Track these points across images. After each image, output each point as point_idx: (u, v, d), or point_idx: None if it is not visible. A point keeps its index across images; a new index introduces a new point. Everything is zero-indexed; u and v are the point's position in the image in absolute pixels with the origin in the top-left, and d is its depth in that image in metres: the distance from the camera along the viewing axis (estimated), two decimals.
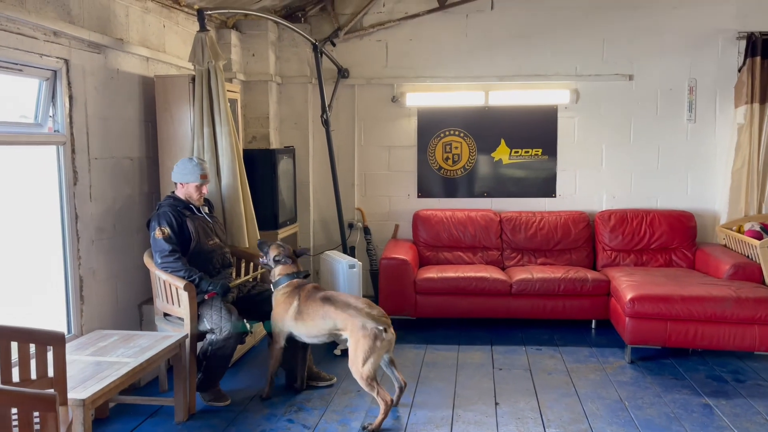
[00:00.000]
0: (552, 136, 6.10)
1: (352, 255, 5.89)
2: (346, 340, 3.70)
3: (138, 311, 4.42)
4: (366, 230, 6.27)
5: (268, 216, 5.24)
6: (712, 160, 5.95)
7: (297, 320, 3.78)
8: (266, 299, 4.06)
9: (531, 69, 6.05)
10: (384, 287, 5.35)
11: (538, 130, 6.11)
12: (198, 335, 3.81)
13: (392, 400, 3.60)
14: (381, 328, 3.51)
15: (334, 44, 6.03)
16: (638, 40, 5.92)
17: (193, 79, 4.39)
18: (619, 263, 5.71)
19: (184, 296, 3.73)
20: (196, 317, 3.79)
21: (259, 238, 4.69)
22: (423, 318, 5.43)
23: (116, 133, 4.16)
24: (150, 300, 4.48)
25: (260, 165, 5.26)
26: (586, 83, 6.02)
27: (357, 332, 3.53)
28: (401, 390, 3.74)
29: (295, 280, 3.92)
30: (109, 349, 3.42)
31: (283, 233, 5.43)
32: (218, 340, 3.71)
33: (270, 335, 4.05)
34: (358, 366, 3.49)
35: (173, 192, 4.10)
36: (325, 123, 5.86)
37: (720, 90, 5.87)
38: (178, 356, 3.64)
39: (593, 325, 5.44)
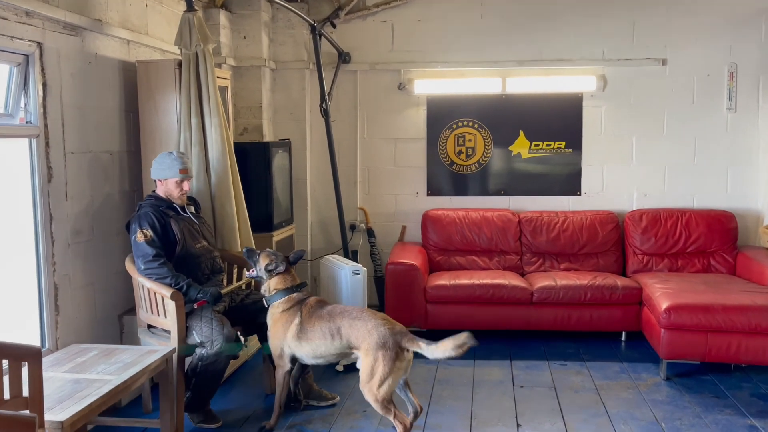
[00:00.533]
0: (576, 127, 6.09)
1: (355, 260, 5.87)
2: (356, 359, 3.67)
3: (118, 323, 4.41)
4: (369, 232, 6.26)
5: (262, 217, 5.23)
6: (755, 154, 5.94)
7: (300, 340, 3.73)
8: (262, 309, 4.03)
9: (553, 53, 6.04)
10: (391, 296, 5.34)
11: (561, 121, 6.10)
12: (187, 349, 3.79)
13: (411, 424, 3.58)
14: (405, 346, 3.49)
15: (334, 25, 6.01)
16: (672, 21, 5.92)
17: (180, 64, 4.38)
18: (652, 268, 5.70)
19: (171, 306, 3.71)
20: (184, 329, 3.77)
21: (253, 240, 4.70)
22: (434, 330, 5.38)
23: (94, 125, 4.15)
24: (131, 310, 4.47)
25: (253, 160, 5.25)
26: (615, 69, 6.01)
27: (375, 351, 3.49)
28: (416, 415, 3.72)
29: (294, 294, 3.87)
30: (88, 364, 3.40)
31: (278, 236, 5.41)
32: (209, 355, 3.69)
33: (270, 358, 4.03)
34: (374, 388, 3.47)
35: (154, 191, 4.09)
36: (325, 113, 5.85)
37: (764, 76, 5.86)
38: (164, 373, 3.62)
39: (623, 338, 5.43)
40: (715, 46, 5.90)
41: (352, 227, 6.28)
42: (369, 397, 3.52)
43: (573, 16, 5.99)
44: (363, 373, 3.54)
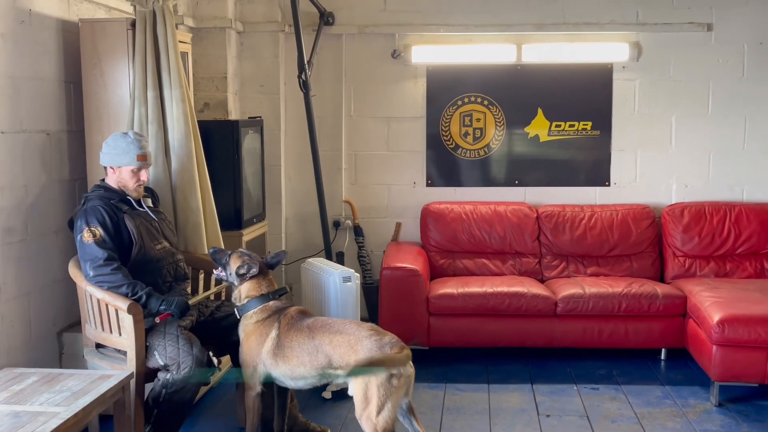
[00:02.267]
0: (605, 105, 6.13)
1: (341, 263, 5.83)
2: (344, 382, 3.64)
3: (57, 341, 4.33)
4: (357, 230, 6.24)
5: (230, 211, 5.17)
6: None
7: (276, 357, 3.69)
8: (235, 324, 3.97)
9: (578, 15, 6.06)
10: (386, 307, 5.32)
11: (586, 98, 6.13)
12: (147, 374, 3.72)
13: None
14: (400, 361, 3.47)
15: None
16: None
17: (134, 24, 4.30)
18: (695, 273, 5.76)
19: (128, 320, 3.64)
20: (144, 349, 3.70)
21: (221, 240, 4.64)
22: (439, 348, 5.41)
23: (28, 99, 4.05)
24: (74, 326, 4.40)
25: (218, 142, 5.17)
26: (651, 35, 6.05)
27: None
28: None
29: (270, 302, 3.83)
30: (28, 394, 3.32)
31: (248, 234, 5.35)
32: (176, 381, 3.62)
33: (235, 364, 3.98)
34: (372, 416, 3.43)
35: (103, 180, 4.00)
36: (304, 86, 5.79)
37: None
38: (120, 403, 3.55)
39: (663, 356, 5.48)
40: None
41: (336, 224, 6.25)
42: (368, 429, 3.48)
43: None
44: (356, 399, 3.50)
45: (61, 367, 4.21)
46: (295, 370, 3.68)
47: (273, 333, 3.73)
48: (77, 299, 4.45)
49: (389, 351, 3.48)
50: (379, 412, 3.42)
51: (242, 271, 3.85)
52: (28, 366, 3.92)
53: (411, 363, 3.54)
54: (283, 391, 3.97)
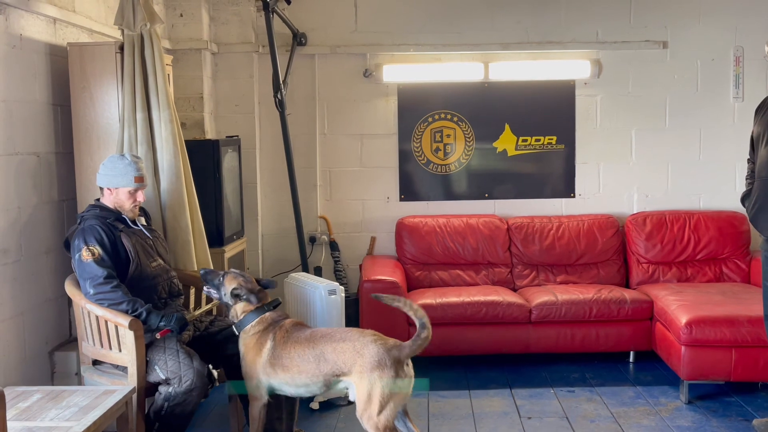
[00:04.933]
0: (569, 119, 6.38)
1: (319, 277, 5.94)
2: (345, 389, 3.77)
3: (49, 360, 4.37)
4: (333, 245, 6.36)
5: (212, 229, 5.23)
6: None
7: (274, 366, 3.79)
8: (229, 337, 4.08)
9: (541, 34, 6.31)
10: (367, 319, 5.42)
11: (551, 113, 6.37)
12: (147, 388, 3.80)
13: None
14: (405, 360, 3.62)
15: (288, 1, 6.09)
16: None
17: (122, 47, 4.39)
18: (659, 279, 6.01)
19: (129, 336, 3.72)
20: (145, 364, 3.78)
21: (210, 258, 4.73)
22: (419, 357, 5.51)
23: (20, 121, 4.11)
24: (64, 345, 4.45)
25: (199, 162, 5.21)
26: (610, 52, 6.33)
27: (371, 372, 3.58)
28: None
29: (267, 314, 3.94)
30: (36, 411, 3.37)
31: (230, 251, 5.45)
32: (177, 394, 3.71)
33: (239, 397, 4.08)
34: (373, 415, 3.56)
35: (98, 200, 4.08)
36: (280, 105, 5.92)
37: None
38: (124, 417, 3.62)
39: (631, 359, 5.71)
40: (719, 27, 6.28)
41: (312, 240, 6.37)
42: (369, 427, 3.61)
43: None
44: (359, 401, 3.63)
45: (53, 386, 4.25)
46: (295, 378, 3.79)
47: (269, 344, 3.83)
48: (68, 318, 4.55)
49: (397, 354, 3.62)
50: (381, 411, 3.56)
51: (238, 293, 3.93)
52: (23, 384, 3.97)
53: (411, 365, 3.71)
54: (289, 400, 4.08)
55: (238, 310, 3.96)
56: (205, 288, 4.10)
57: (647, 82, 6.36)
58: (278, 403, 4.02)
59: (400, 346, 3.68)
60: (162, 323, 3.82)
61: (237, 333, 3.96)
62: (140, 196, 4.06)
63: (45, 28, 4.36)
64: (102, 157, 4.24)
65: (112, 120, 4.44)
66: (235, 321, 3.97)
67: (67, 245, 4.01)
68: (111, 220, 3.98)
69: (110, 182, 3.98)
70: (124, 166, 3.97)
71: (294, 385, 3.84)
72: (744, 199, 4.58)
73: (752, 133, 4.59)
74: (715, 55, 6.33)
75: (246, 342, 3.91)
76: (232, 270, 4.16)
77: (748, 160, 4.62)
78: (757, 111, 4.55)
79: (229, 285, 3.97)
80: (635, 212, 6.33)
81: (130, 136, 4.38)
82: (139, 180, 4.02)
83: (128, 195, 4.00)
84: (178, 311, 4.07)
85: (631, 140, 6.41)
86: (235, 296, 3.95)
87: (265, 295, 4.04)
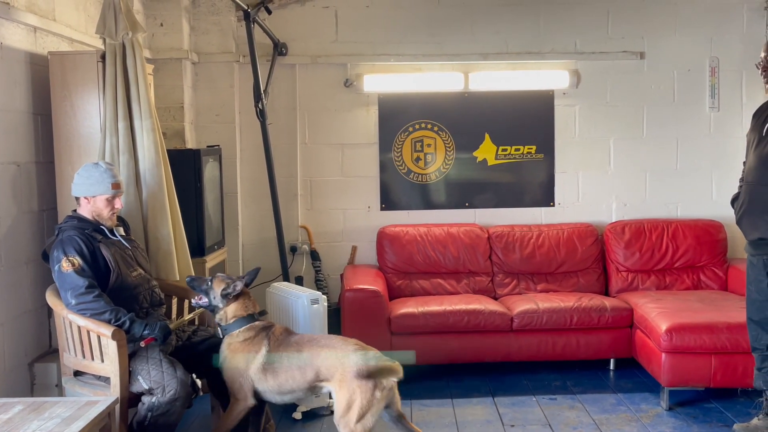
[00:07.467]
0: (548, 129, 6.44)
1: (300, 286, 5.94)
2: (327, 394, 3.79)
3: (29, 372, 4.32)
4: (313, 255, 6.36)
5: (193, 239, 5.20)
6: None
7: (266, 372, 3.82)
8: (212, 347, 4.07)
9: (520, 45, 6.37)
10: (349, 327, 5.42)
11: (530, 122, 6.43)
12: (130, 399, 3.78)
13: None
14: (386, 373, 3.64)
15: (269, 11, 6.10)
16: (649, 10, 6.37)
17: (104, 56, 4.37)
18: (638, 287, 6.08)
19: (112, 346, 3.70)
20: (128, 374, 3.76)
21: (192, 267, 4.72)
22: (401, 365, 5.54)
23: (3, 131, 4.08)
24: (44, 356, 4.41)
25: (180, 171, 5.19)
26: (588, 63, 6.41)
27: (351, 381, 3.62)
28: None
29: (256, 322, 3.97)
30: (18, 422, 3.33)
31: (211, 261, 5.43)
32: (161, 404, 3.69)
33: (222, 405, 4.06)
34: (350, 423, 3.60)
35: (75, 211, 4.06)
36: (261, 114, 5.92)
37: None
38: (107, 428, 3.59)
39: (612, 366, 5.75)
40: (695, 38, 6.39)
41: (293, 249, 6.36)
42: None
43: (542, 4, 6.34)
44: (338, 407, 3.68)
45: (34, 397, 4.20)
46: (284, 383, 3.84)
47: (263, 350, 3.88)
48: (47, 330, 4.51)
49: (374, 364, 3.65)
50: (358, 420, 3.60)
51: (227, 292, 3.97)
52: (2, 397, 3.92)
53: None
54: (259, 410, 4.08)
55: (229, 313, 4.00)
56: (194, 300, 4.09)
57: (625, 92, 6.44)
58: (259, 410, 4.03)
59: (380, 358, 3.71)
60: (146, 332, 3.80)
61: (221, 336, 3.98)
62: (118, 203, 4.04)
63: (25, 37, 4.33)
64: None
65: (93, 129, 4.42)
66: (222, 324, 4.00)
67: (45, 256, 3.99)
68: (89, 230, 3.95)
69: (87, 191, 3.95)
70: (99, 173, 3.95)
71: (280, 393, 3.88)
72: (734, 201, 4.64)
73: (746, 136, 4.64)
74: (692, 66, 6.43)
75: (232, 345, 3.93)
76: (218, 274, 4.19)
77: (744, 162, 4.67)
78: (754, 116, 4.59)
79: (218, 287, 4.00)
80: (614, 221, 6.40)
81: (112, 145, 4.36)
82: (116, 186, 4.00)
83: (106, 203, 3.98)
84: (160, 320, 4.05)
85: (610, 149, 6.48)
86: (224, 296, 3.97)
87: (255, 304, 4.08)
